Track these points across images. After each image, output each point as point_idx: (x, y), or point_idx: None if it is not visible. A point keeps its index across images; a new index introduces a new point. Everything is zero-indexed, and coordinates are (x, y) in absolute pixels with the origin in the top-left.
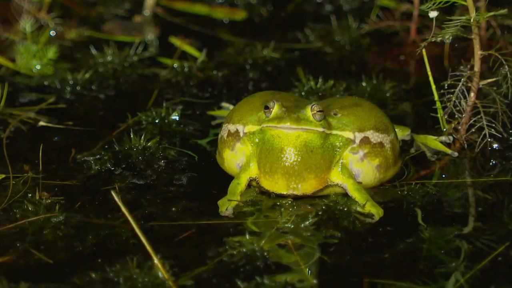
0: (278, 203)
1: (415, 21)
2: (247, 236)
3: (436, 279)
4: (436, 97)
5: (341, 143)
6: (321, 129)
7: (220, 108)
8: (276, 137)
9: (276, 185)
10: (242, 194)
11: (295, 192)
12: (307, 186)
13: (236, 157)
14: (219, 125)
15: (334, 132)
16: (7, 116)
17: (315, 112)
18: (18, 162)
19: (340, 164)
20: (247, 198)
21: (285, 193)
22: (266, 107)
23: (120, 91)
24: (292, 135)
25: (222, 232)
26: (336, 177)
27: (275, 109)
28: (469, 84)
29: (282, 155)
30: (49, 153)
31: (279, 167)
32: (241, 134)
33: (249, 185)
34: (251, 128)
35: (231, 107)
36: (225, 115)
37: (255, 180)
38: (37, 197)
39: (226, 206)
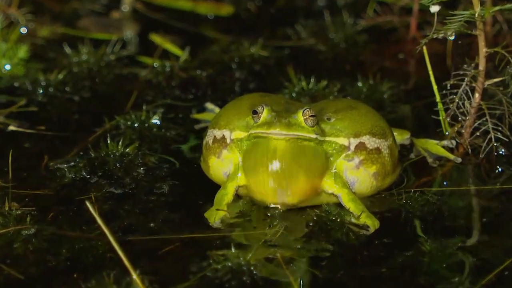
0: (268, 214)
1: (415, 16)
2: (233, 250)
3: None
4: (437, 98)
5: (334, 150)
6: (313, 136)
7: (204, 109)
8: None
9: (264, 187)
10: (229, 205)
11: (284, 199)
12: (297, 190)
13: (223, 165)
14: (204, 130)
15: (327, 138)
16: None
17: (307, 117)
18: None
19: (333, 173)
20: (235, 210)
21: (272, 202)
22: (254, 112)
23: (96, 93)
24: (282, 146)
25: (206, 245)
26: (329, 186)
27: (264, 114)
28: (474, 84)
29: (270, 153)
30: (20, 160)
31: (265, 164)
32: (228, 141)
33: (237, 195)
34: (239, 134)
35: (217, 109)
36: (210, 118)
37: (244, 186)
38: (7, 208)
39: (214, 217)
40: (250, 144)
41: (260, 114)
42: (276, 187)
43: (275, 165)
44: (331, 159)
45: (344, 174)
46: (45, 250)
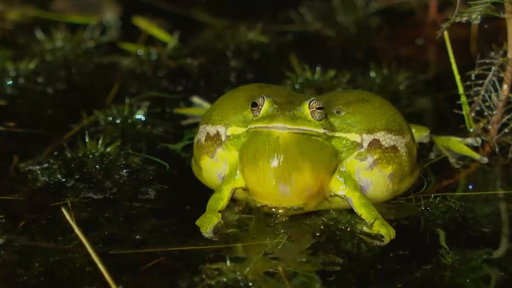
0: (269, 222)
1: None
2: (229, 263)
3: None
4: (461, 90)
5: (345, 148)
6: (321, 131)
7: (190, 104)
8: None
9: (264, 182)
10: (225, 212)
11: (287, 195)
12: (302, 185)
13: (217, 165)
14: (193, 126)
15: (337, 134)
16: None
17: (314, 109)
18: None
19: (343, 172)
20: (231, 217)
21: (273, 202)
22: (254, 104)
23: (72, 84)
24: (285, 135)
25: (197, 258)
26: (338, 187)
27: (265, 106)
28: (501, 74)
29: (272, 144)
30: None
31: (265, 153)
32: (223, 138)
33: (233, 200)
34: (235, 130)
35: (205, 104)
36: (197, 113)
37: (241, 189)
38: None
39: (207, 226)
40: (248, 138)
41: (260, 107)
42: (277, 182)
43: (277, 157)
44: (343, 155)
45: (356, 175)
46: (15, 263)
